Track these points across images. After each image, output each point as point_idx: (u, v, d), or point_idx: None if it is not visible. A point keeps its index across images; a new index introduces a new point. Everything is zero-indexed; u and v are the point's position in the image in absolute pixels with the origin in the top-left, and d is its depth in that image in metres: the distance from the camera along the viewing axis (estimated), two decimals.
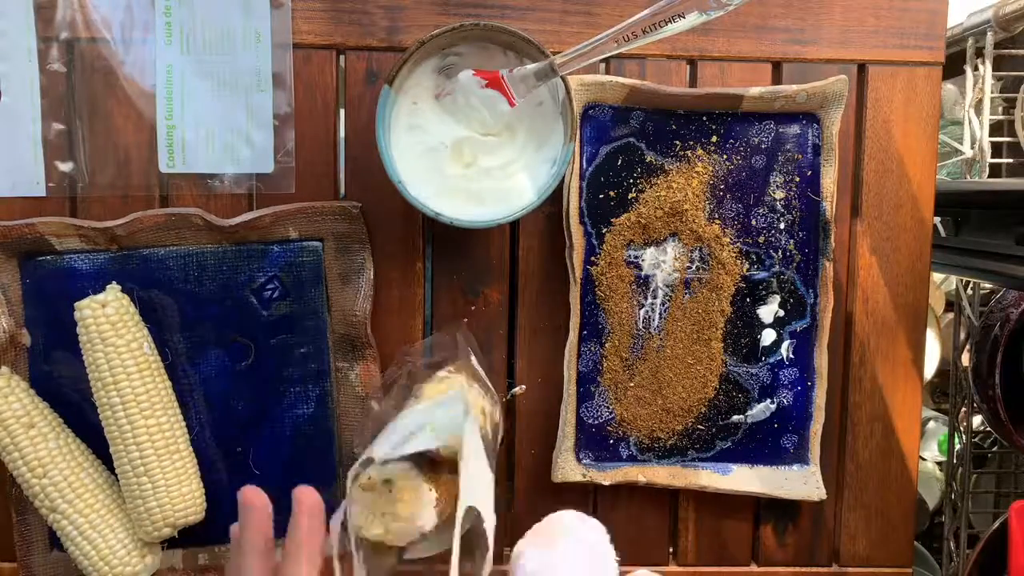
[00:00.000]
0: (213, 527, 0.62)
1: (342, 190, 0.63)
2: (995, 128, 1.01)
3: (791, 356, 0.65)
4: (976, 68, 0.96)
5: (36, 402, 0.59)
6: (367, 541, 0.46)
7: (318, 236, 0.61)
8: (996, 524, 0.88)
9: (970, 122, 0.98)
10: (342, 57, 0.62)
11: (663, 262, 0.63)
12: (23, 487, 0.58)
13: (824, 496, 0.65)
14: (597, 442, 0.64)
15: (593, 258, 0.63)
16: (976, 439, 1.15)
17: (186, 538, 0.61)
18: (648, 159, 0.62)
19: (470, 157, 0.56)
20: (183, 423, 0.60)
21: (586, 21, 0.62)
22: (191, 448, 0.60)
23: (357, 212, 0.61)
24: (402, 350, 0.61)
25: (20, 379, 0.59)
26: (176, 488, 0.58)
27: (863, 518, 0.67)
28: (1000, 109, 1.03)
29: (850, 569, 0.67)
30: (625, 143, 0.62)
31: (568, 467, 0.63)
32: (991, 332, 0.92)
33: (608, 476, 0.64)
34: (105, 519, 0.58)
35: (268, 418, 0.62)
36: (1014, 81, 1.02)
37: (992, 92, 0.96)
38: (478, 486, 0.45)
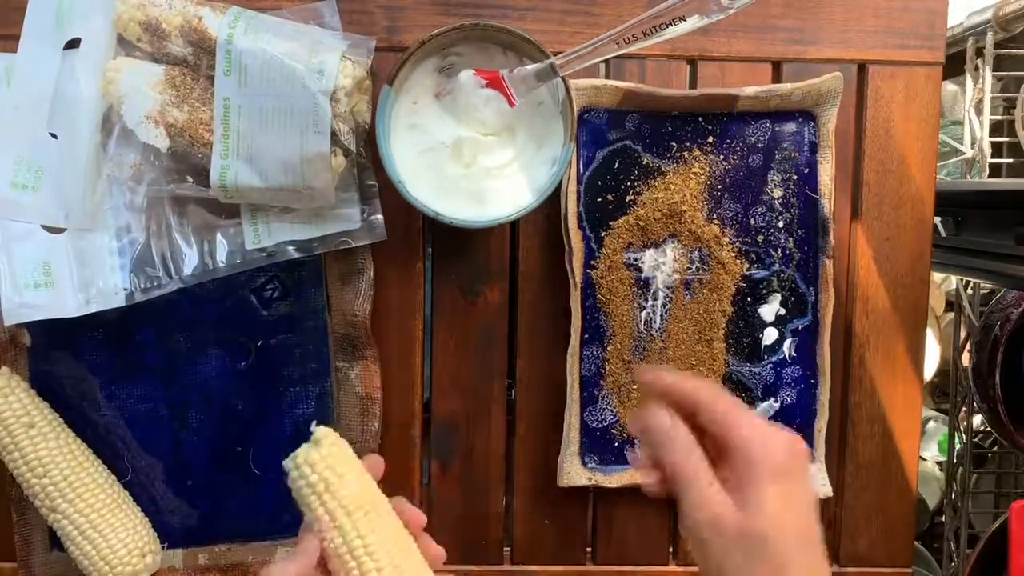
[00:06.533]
0: (213, 527, 0.62)
1: None
2: (995, 128, 1.02)
3: (793, 354, 0.65)
4: (976, 68, 0.96)
5: (36, 402, 0.59)
6: None
7: None
8: (996, 524, 0.88)
9: (970, 122, 0.98)
10: None
11: (663, 264, 0.63)
12: (23, 487, 0.58)
13: (830, 493, 0.64)
14: (602, 446, 0.64)
15: (593, 262, 0.62)
16: (976, 439, 1.16)
17: (186, 538, 0.61)
18: (645, 161, 0.62)
19: (470, 157, 0.56)
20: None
21: (586, 21, 0.62)
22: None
23: None
24: None
25: (20, 379, 0.59)
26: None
27: (863, 518, 0.67)
28: (1000, 109, 1.03)
29: (850, 569, 0.67)
30: (621, 146, 0.62)
31: (574, 472, 0.63)
32: (991, 332, 0.92)
33: (614, 480, 0.63)
34: (105, 519, 0.58)
35: (268, 418, 0.62)
36: (1014, 81, 1.02)
37: (992, 92, 0.96)
38: None
